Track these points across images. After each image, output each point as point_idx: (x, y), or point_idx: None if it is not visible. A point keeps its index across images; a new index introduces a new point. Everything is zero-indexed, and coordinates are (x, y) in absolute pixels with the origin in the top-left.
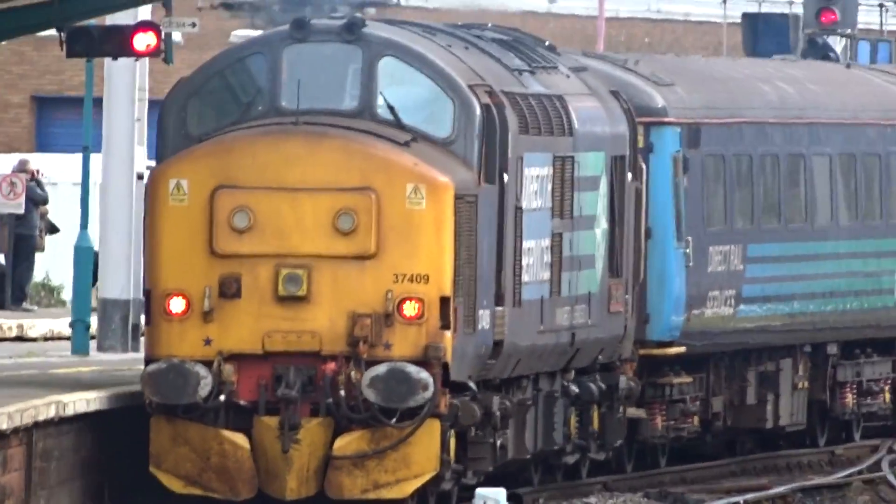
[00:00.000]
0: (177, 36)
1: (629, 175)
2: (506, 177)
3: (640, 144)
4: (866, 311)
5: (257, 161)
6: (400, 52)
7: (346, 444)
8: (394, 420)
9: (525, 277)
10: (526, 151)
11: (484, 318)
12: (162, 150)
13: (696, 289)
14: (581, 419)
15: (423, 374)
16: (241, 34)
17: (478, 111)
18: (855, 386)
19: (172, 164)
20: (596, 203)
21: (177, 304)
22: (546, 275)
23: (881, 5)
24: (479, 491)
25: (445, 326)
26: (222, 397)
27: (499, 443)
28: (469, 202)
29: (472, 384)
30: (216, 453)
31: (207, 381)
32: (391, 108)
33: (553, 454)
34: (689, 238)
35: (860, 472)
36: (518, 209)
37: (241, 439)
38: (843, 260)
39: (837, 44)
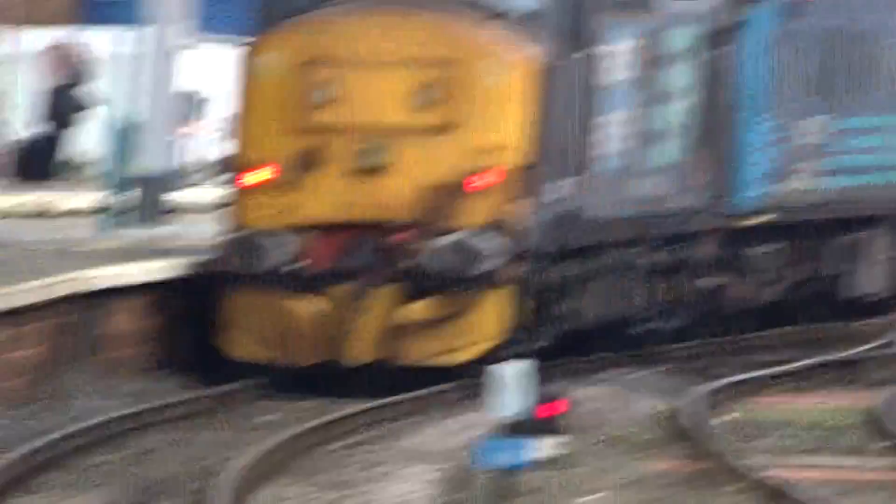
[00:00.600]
0: None
1: (721, 50)
2: (589, 52)
3: (737, 19)
4: None
5: (344, 37)
6: None
7: (415, 310)
8: (462, 287)
9: (605, 150)
10: (610, 27)
11: (562, 188)
12: (259, 26)
13: (781, 161)
14: (655, 289)
15: (492, 243)
16: None
17: None
18: None
19: (264, 40)
20: (685, 77)
21: (260, 175)
22: (627, 147)
23: None
24: (492, 368)
25: (519, 196)
26: (297, 265)
27: (575, 309)
28: (549, 76)
29: (548, 252)
30: (289, 320)
31: (283, 250)
32: None
33: (633, 322)
34: (776, 111)
35: (878, 348)
36: (601, 83)
37: (314, 305)
38: None
39: None
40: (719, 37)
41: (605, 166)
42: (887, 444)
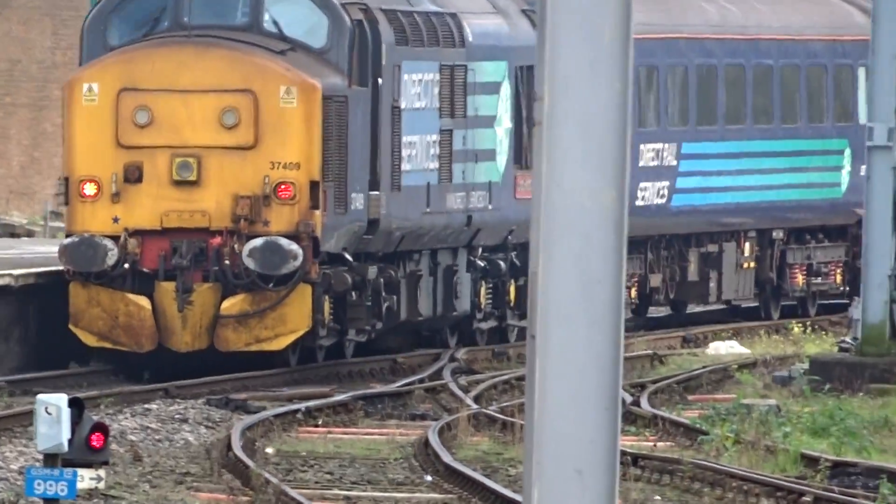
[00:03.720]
0: None
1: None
2: (380, 81)
3: None
4: (813, 203)
5: (155, 67)
6: None
7: (231, 305)
8: (271, 285)
9: (406, 166)
10: (405, 59)
11: (357, 200)
12: (86, 59)
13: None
14: (495, 291)
15: (294, 246)
16: None
17: (348, 25)
18: (805, 267)
19: (85, 70)
20: (496, 105)
21: (89, 188)
22: (433, 165)
23: None
24: (40, 397)
25: (315, 206)
26: (126, 265)
27: (385, 306)
28: (339, 101)
29: (347, 256)
30: (123, 313)
31: (114, 252)
32: (275, 23)
33: (466, 319)
34: None
35: (422, 381)
36: (396, 108)
37: (143, 301)
38: (788, 157)
39: None
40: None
41: (406, 181)
42: (432, 477)
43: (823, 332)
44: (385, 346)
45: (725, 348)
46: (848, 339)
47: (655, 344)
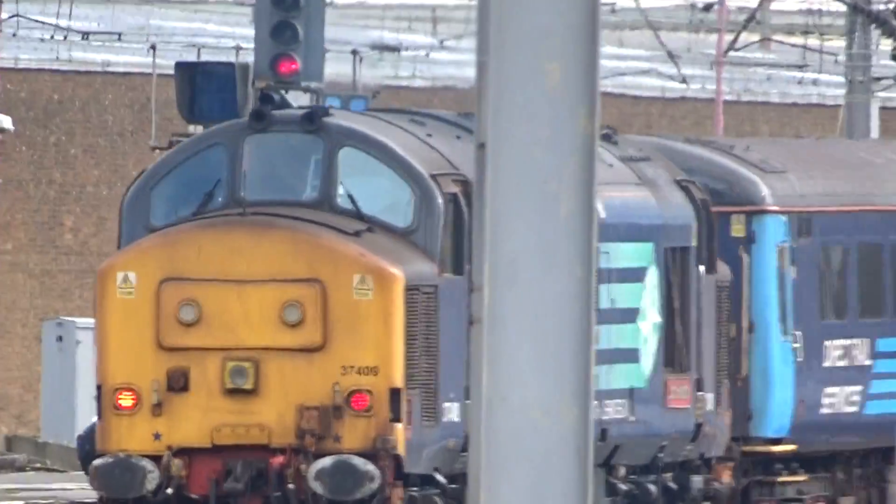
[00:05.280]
0: None
1: (700, 267)
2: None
3: (741, 234)
4: None
5: (203, 253)
6: (360, 142)
7: None
8: None
9: None
10: None
11: (451, 410)
12: (125, 242)
13: (809, 384)
14: None
15: (370, 467)
16: None
17: (439, 200)
18: None
19: (120, 257)
20: (639, 295)
21: (125, 399)
22: None
23: (354, 52)
24: None
25: (396, 419)
26: (170, 491)
27: None
28: (427, 293)
29: (440, 477)
30: None
31: (154, 475)
32: (350, 198)
33: None
34: (799, 332)
35: None
36: None
37: None
38: None
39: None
40: (697, 254)
41: None
42: None
43: None
44: None
45: None
46: None
47: None
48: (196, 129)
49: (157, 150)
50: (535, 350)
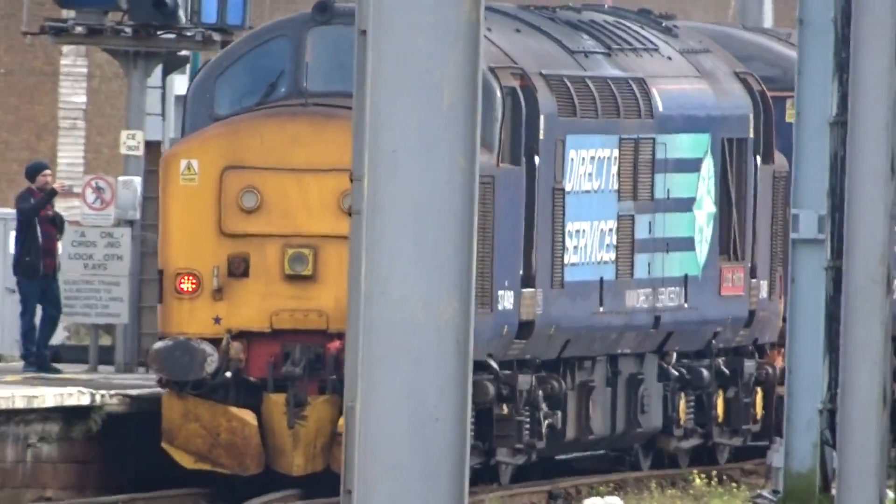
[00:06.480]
0: None
1: (756, 158)
2: (537, 159)
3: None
4: None
5: (265, 142)
6: None
7: None
8: None
9: (572, 258)
10: (571, 133)
11: (505, 298)
12: (189, 130)
13: None
14: (698, 404)
15: None
16: None
17: (497, 94)
18: None
19: (184, 145)
20: (695, 185)
21: (187, 284)
22: (608, 256)
23: None
24: None
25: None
26: (228, 374)
27: (546, 423)
28: (484, 182)
29: (492, 363)
30: (225, 429)
31: (214, 357)
32: None
33: (655, 438)
34: None
35: None
36: (558, 190)
37: (249, 416)
38: None
39: None
40: (754, 144)
41: (571, 276)
42: None
43: (734, 485)
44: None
45: None
46: (766, 492)
47: (512, 502)
48: (69, 14)
49: (29, 36)
50: (415, 243)
